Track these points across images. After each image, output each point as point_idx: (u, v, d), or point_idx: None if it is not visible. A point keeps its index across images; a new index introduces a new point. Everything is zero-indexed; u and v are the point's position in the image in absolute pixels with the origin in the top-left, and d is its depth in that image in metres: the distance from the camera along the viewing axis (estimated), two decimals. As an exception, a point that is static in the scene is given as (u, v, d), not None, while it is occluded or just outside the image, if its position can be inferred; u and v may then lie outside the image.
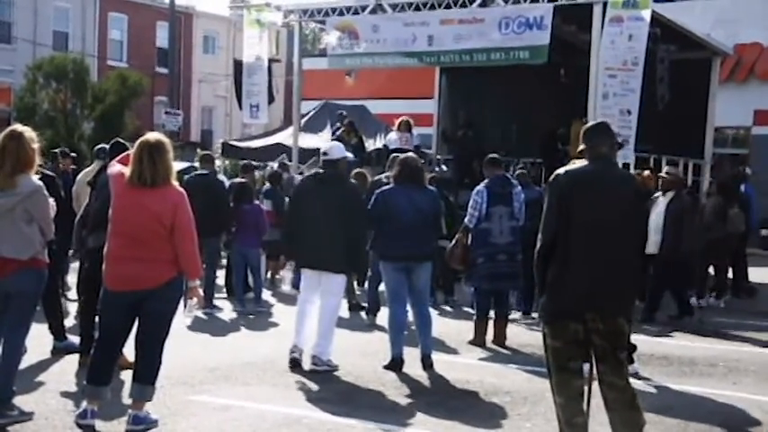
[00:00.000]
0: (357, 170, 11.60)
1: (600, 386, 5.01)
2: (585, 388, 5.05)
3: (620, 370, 4.94)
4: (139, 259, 5.56)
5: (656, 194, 11.25)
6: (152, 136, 5.74)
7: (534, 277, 5.13)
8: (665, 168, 11.22)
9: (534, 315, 11.00)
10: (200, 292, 5.93)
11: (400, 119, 15.95)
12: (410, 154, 8.85)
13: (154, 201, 5.56)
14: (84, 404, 5.67)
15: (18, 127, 6.10)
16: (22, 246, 5.88)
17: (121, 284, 5.62)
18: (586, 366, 5.10)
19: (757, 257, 16.98)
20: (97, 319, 6.13)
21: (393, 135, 15.93)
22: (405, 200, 7.81)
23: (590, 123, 5.45)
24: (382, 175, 11.05)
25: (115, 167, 5.84)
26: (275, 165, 17.75)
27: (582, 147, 5.19)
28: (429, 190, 8.18)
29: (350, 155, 8.59)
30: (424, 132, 18.44)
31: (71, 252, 8.06)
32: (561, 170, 5.17)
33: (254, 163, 14.29)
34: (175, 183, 5.75)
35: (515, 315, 10.66)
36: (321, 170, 8.05)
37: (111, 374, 5.77)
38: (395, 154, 8.53)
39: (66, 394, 6.61)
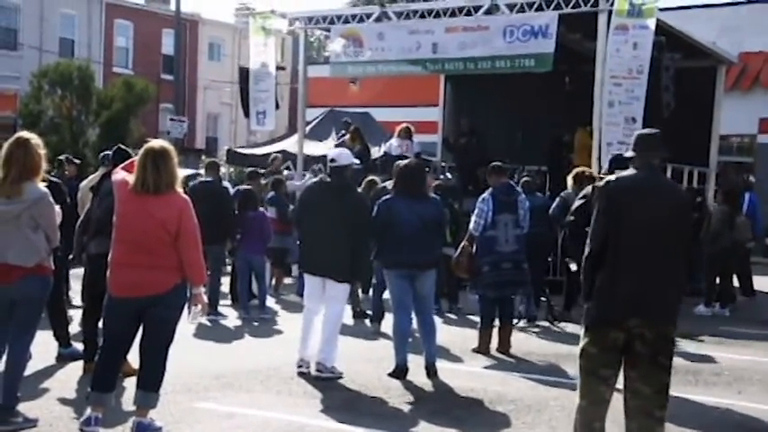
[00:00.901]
0: (369, 178, 11.60)
1: (624, 393, 5.01)
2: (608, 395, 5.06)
3: (650, 377, 4.94)
4: (144, 266, 5.57)
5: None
6: (156, 143, 5.76)
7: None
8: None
9: (540, 323, 11.00)
10: (205, 298, 5.94)
11: (400, 126, 15.94)
12: (409, 161, 8.78)
13: (159, 207, 5.58)
14: (88, 411, 5.67)
15: (24, 134, 6.12)
16: (28, 253, 5.90)
17: (126, 291, 5.62)
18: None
19: (762, 266, 16.96)
20: (101, 325, 6.14)
21: (394, 142, 15.91)
22: (407, 208, 7.81)
23: (643, 132, 5.44)
24: (387, 183, 11.04)
25: (119, 174, 5.85)
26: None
27: (631, 154, 5.21)
28: (431, 198, 8.17)
29: (356, 161, 8.56)
30: (428, 140, 18.44)
31: (70, 257, 8.06)
32: (612, 177, 5.21)
33: (260, 170, 14.30)
34: (180, 189, 5.76)
35: (521, 323, 10.67)
36: (328, 177, 8.05)
37: (115, 381, 5.78)
38: (398, 162, 8.49)
39: (70, 401, 6.62)
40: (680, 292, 5.22)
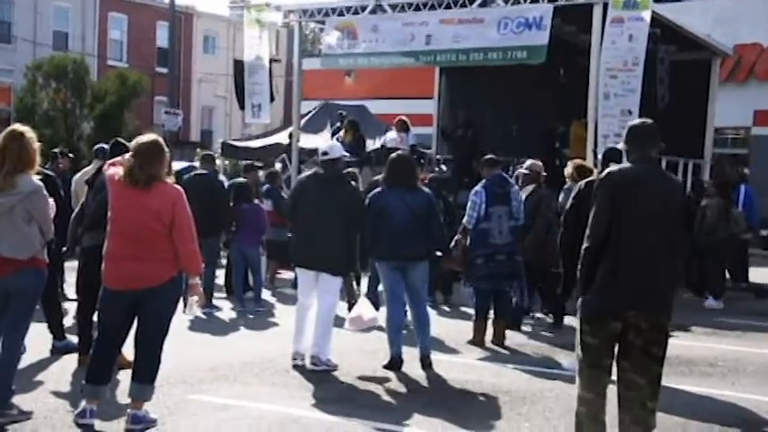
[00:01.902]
0: (347, 170, 11.55)
1: (618, 384, 5.02)
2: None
3: (643, 368, 4.96)
4: (139, 258, 5.58)
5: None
6: (146, 137, 5.76)
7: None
8: (526, 162, 10.79)
9: (538, 315, 11.00)
10: (201, 289, 5.95)
11: (397, 118, 15.94)
12: (398, 153, 8.75)
13: (153, 199, 5.59)
14: (83, 403, 5.68)
15: (19, 127, 6.12)
16: (22, 245, 5.89)
17: (121, 284, 5.63)
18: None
19: (758, 258, 16.99)
20: (96, 317, 6.14)
21: (391, 134, 15.90)
22: (398, 200, 7.81)
23: (636, 123, 5.29)
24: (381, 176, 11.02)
25: (111, 169, 5.85)
26: (277, 164, 17.76)
27: (624, 146, 5.17)
28: (421, 190, 8.15)
29: (346, 154, 8.53)
30: (424, 132, 18.43)
31: (63, 250, 8.04)
32: (614, 168, 5.16)
33: (257, 163, 14.28)
34: (172, 180, 5.77)
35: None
36: (321, 170, 8.04)
37: (110, 373, 5.79)
38: (391, 155, 8.47)
39: (64, 394, 6.62)
40: (676, 284, 5.24)
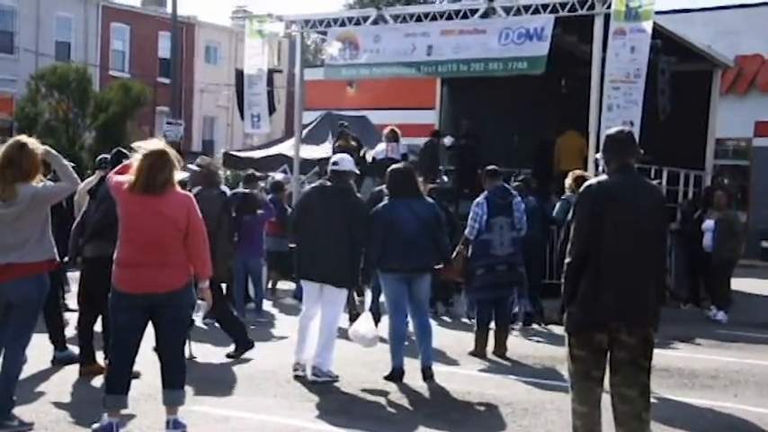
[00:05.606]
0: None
1: (612, 399, 5.02)
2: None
3: (633, 380, 4.96)
4: (154, 264, 5.58)
5: None
6: (152, 144, 5.76)
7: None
8: (199, 159, 10.43)
9: (535, 326, 11.01)
10: (210, 292, 5.99)
11: (387, 128, 15.84)
12: (398, 165, 8.76)
13: (168, 206, 5.61)
14: (105, 416, 5.61)
15: (22, 137, 6.14)
16: (29, 251, 5.89)
17: (136, 287, 5.60)
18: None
19: (758, 269, 16.99)
20: (102, 327, 6.11)
21: (380, 146, 15.80)
22: (407, 212, 7.80)
23: (612, 133, 5.25)
24: (383, 187, 11.02)
25: (115, 178, 5.83)
26: (278, 175, 17.76)
27: (602, 156, 5.16)
28: (426, 199, 8.16)
29: (356, 170, 8.51)
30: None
31: (65, 260, 8.04)
32: (593, 181, 5.16)
33: (257, 173, 14.28)
34: (179, 187, 5.79)
35: (516, 326, 10.66)
36: (328, 182, 8.03)
37: (129, 381, 5.72)
38: (392, 167, 8.45)
39: (66, 404, 6.61)
40: (661, 294, 5.23)
